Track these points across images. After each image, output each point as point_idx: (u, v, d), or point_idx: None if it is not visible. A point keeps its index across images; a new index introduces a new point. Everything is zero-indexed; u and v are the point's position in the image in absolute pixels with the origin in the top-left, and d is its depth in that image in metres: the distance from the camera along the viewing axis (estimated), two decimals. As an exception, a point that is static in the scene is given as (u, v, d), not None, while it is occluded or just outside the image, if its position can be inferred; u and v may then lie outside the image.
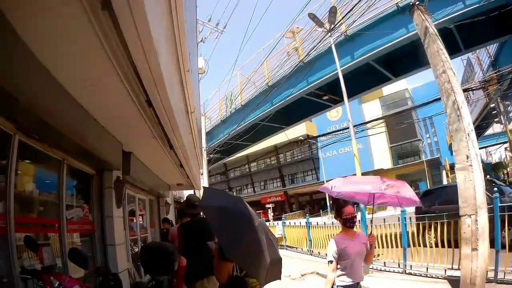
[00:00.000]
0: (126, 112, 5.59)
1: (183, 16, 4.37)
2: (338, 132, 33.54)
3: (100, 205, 7.58)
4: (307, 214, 25.03)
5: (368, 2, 14.26)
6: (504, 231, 8.98)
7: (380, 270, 11.77)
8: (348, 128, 15.56)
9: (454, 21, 15.01)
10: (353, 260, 4.89)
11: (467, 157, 7.69)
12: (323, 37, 16.07)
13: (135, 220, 11.28)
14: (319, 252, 15.98)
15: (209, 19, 24.34)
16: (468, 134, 7.81)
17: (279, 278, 3.56)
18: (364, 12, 15.12)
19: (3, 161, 4.32)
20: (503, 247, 8.79)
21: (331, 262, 4.92)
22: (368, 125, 32.46)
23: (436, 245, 10.13)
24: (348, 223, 5.00)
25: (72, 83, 4.46)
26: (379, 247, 12.27)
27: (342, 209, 5.08)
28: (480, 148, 70.54)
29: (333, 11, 15.12)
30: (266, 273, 3.23)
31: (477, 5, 14.91)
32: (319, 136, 51.43)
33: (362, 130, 29.72)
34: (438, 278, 9.72)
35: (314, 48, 17.26)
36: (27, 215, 5.13)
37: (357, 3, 14.25)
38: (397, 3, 16.10)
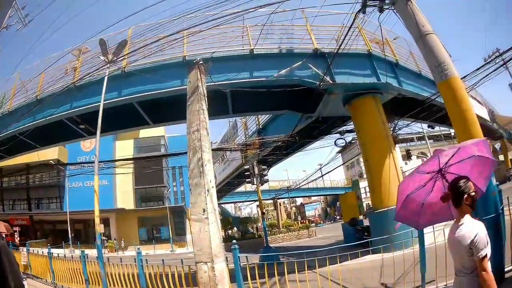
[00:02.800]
0: None
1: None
2: (86, 164, 33.10)
3: None
4: (49, 244, 23.66)
5: (158, 46, 14.79)
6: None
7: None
8: (92, 162, 15.47)
9: (234, 86, 16.45)
10: None
11: (204, 210, 8.40)
12: (101, 67, 15.97)
13: None
14: (62, 286, 15.19)
15: (23, 6, 21.87)
16: (208, 190, 8.58)
17: None
18: (150, 54, 15.52)
19: None
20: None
21: (486, 256, 3.32)
22: (117, 163, 32.64)
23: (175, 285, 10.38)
24: (475, 203, 3.61)
25: None
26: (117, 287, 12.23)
27: (467, 183, 3.59)
28: (229, 203, 75.57)
29: (122, 44, 15.18)
30: None
31: (263, 78, 16.61)
32: (68, 164, 49.44)
33: (109, 168, 29.78)
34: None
35: (90, 74, 16.95)
36: None
37: (148, 44, 14.67)
38: (184, 56, 16.81)
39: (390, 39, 19.99)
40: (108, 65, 15.25)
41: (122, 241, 49.10)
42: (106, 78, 15.14)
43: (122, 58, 16.27)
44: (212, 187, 8.68)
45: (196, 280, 8.72)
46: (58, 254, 17.41)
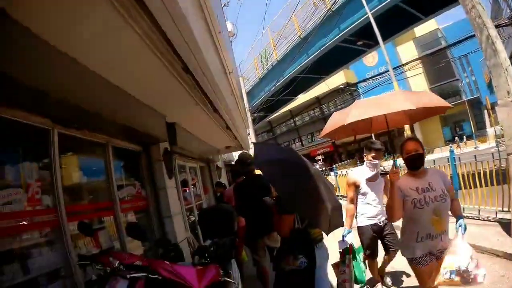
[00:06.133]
0: (163, 82, 5.55)
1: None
2: (377, 77, 32.89)
3: (152, 179, 7.72)
4: (358, 162, 24.70)
5: None
6: None
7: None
8: (387, 71, 15.19)
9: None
10: None
11: (508, 93, 7.27)
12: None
13: (188, 190, 11.37)
14: None
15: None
16: (506, 69, 7.41)
17: (342, 225, 3.61)
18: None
19: (45, 159, 4.44)
20: None
21: None
22: (406, 67, 31.55)
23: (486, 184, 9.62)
24: None
25: (102, 65, 4.43)
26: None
27: None
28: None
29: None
30: (329, 221, 3.16)
31: None
32: (358, 82, 50.29)
33: (401, 73, 28.88)
34: (489, 220, 9.40)
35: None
36: (78, 203, 5.26)
37: None
38: None
39: None
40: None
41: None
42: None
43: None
44: (509, 65, 7.45)
45: (507, 174, 7.82)
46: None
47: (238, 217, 5.82)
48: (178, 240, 7.13)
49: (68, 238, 4.39)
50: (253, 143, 6.29)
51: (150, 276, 3.40)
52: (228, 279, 4.05)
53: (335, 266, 5.16)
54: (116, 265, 3.55)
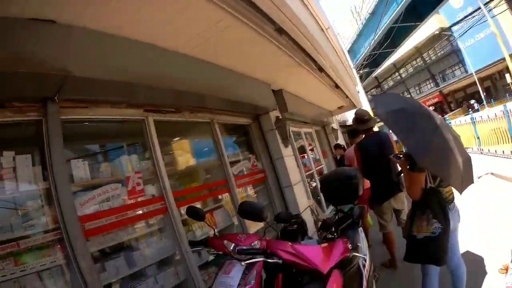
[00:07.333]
0: (259, 49, 5.24)
1: None
2: (468, 17, 31.10)
3: (267, 150, 7.57)
4: (470, 110, 23.23)
5: None
6: None
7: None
8: (475, 10, 14.05)
9: None
10: None
11: None
12: None
13: (306, 156, 11.12)
14: (489, 150, 14.42)
15: None
16: None
17: (473, 181, 3.09)
18: None
19: (144, 149, 4.47)
20: None
21: None
22: (492, 4, 28.86)
23: None
24: None
25: (189, 45, 4.26)
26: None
27: None
28: None
29: None
30: (461, 177, 2.83)
31: None
32: (452, 25, 47.60)
33: (489, 10, 26.78)
34: None
35: None
36: (188, 187, 5.22)
37: None
38: None
39: None
40: None
41: None
42: None
43: None
44: None
45: None
46: (481, 116, 16.52)
47: (363, 180, 5.38)
48: (300, 210, 6.92)
49: (178, 224, 4.34)
50: (371, 95, 5.79)
51: (269, 260, 3.10)
52: (357, 254, 3.60)
53: (505, 270, 4.05)
54: (231, 248, 3.29)
